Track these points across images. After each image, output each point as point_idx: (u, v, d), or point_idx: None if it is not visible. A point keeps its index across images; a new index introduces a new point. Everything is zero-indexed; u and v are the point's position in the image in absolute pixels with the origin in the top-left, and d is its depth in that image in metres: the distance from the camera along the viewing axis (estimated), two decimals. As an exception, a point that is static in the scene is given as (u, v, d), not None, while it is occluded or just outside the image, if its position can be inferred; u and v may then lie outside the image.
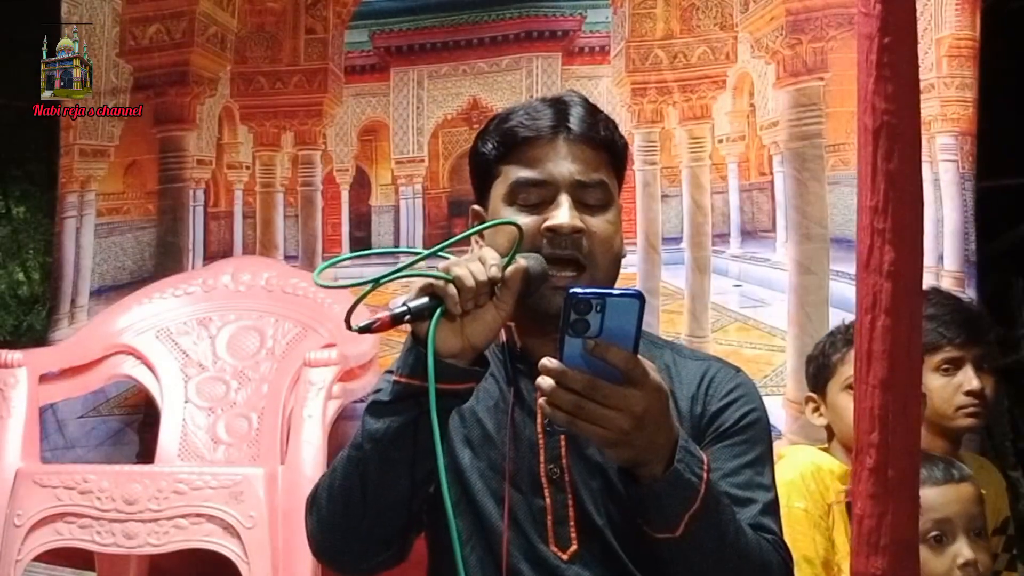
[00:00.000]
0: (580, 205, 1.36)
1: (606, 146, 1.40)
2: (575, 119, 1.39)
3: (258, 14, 3.43)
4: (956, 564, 1.70)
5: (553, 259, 1.33)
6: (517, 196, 1.38)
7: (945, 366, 2.07)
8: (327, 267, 1.22)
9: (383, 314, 1.17)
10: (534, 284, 1.27)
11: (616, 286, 1.43)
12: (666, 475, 1.15)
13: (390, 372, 1.30)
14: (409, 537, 1.32)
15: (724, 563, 1.22)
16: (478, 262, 1.20)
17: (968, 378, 2.06)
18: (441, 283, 1.18)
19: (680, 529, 1.17)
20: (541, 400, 1.11)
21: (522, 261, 1.23)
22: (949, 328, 2.07)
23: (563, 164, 1.37)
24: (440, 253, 1.25)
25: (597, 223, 1.36)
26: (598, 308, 1.08)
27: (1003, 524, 2.19)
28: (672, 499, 1.16)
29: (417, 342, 1.20)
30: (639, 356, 1.11)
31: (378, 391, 1.30)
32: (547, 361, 1.10)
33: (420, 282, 1.21)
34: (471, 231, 1.34)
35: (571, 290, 1.10)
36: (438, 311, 1.18)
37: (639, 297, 1.10)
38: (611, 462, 1.19)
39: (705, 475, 1.18)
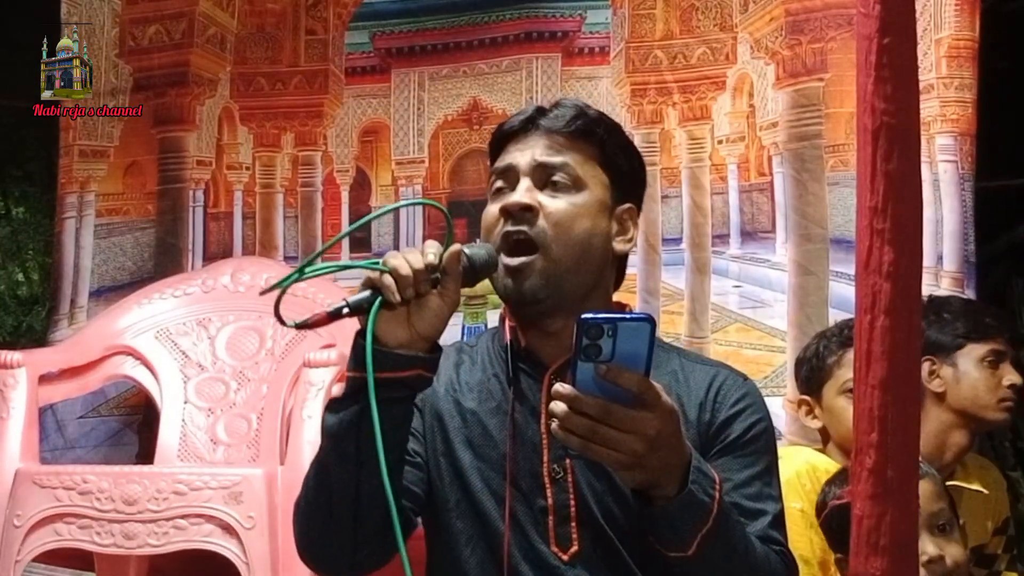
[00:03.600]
0: (543, 187, 1.37)
1: (582, 136, 1.40)
2: (552, 115, 1.41)
3: (258, 15, 3.43)
4: (920, 562, 1.70)
5: (509, 240, 1.34)
6: (492, 187, 1.41)
7: (991, 358, 2.08)
8: (279, 285, 1.21)
9: (320, 310, 1.18)
10: (481, 271, 1.28)
11: (646, 313, 1.43)
12: (680, 496, 1.15)
13: None
14: (388, 536, 1.26)
15: None
16: (416, 252, 1.21)
17: (1010, 372, 2.07)
18: (377, 274, 1.18)
19: (693, 548, 1.17)
20: (554, 426, 1.11)
21: (458, 245, 1.23)
22: (998, 320, 2.09)
23: (528, 151, 1.39)
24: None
25: (556, 203, 1.36)
26: (610, 333, 1.08)
27: (1003, 524, 2.19)
28: (685, 519, 1.17)
29: (361, 336, 1.21)
30: (650, 379, 1.11)
31: None
32: (560, 387, 1.11)
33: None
34: (383, 210, 1.36)
35: (582, 316, 1.10)
36: (377, 302, 1.18)
37: (651, 321, 1.10)
38: (625, 484, 1.20)
39: (717, 494, 1.18)
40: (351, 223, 3.31)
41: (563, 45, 3.20)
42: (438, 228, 3.20)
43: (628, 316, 1.11)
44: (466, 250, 1.25)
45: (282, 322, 1.18)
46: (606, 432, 1.10)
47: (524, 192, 1.36)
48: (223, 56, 3.43)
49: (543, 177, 1.37)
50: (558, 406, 1.10)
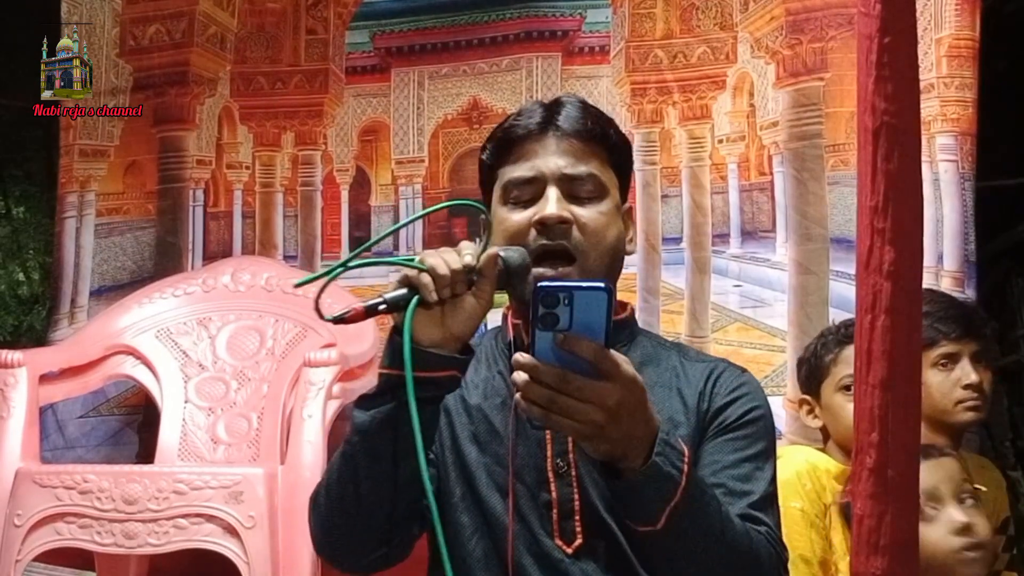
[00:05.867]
0: (570, 197, 1.38)
1: (598, 141, 1.41)
2: (564, 116, 1.41)
3: (258, 14, 3.43)
4: (951, 531, 1.69)
5: (544, 252, 1.34)
6: (510, 195, 1.40)
7: (943, 361, 2.08)
8: (312, 279, 1.22)
9: (357, 304, 1.18)
10: (515, 275, 1.27)
11: (602, 280, 1.43)
12: (644, 468, 1.15)
13: None
14: (410, 532, 1.32)
15: (710, 555, 1.22)
16: (453, 252, 1.21)
17: (966, 372, 2.06)
18: (415, 272, 1.19)
19: (661, 522, 1.17)
20: (517, 396, 1.11)
21: (495, 248, 1.24)
22: (944, 323, 2.08)
23: (551, 159, 1.39)
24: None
25: (587, 214, 1.37)
26: (566, 301, 1.08)
27: (1003, 524, 2.18)
28: (651, 492, 1.16)
29: (396, 333, 1.21)
30: (624, 351, 1.11)
31: None
32: (519, 356, 1.10)
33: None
34: (423, 212, 1.35)
35: (538, 283, 1.10)
36: (414, 300, 1.18)
37: (607, 290, 1.09)
38: (591, 456, 1.20)
39: (685, 468, 1.17)
40: (350, 223, 3.32)
41: (563, 44, 3.20)
42: (437, 228, 3.20)
43: (584, 284, 1.10)
44: (501, 253, 1.25)
45: (321, 316, 1.18)
46: (565, 401, 1.09)
47: (557, 204, 1.36)
48: (223, 55, 3.43)
49: (568, 186, 1.38)
50: (519, 376, 1.10)
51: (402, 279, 1.20)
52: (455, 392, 1.39)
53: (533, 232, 1.36)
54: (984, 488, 2.06)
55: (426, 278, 1.18)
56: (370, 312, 1.18)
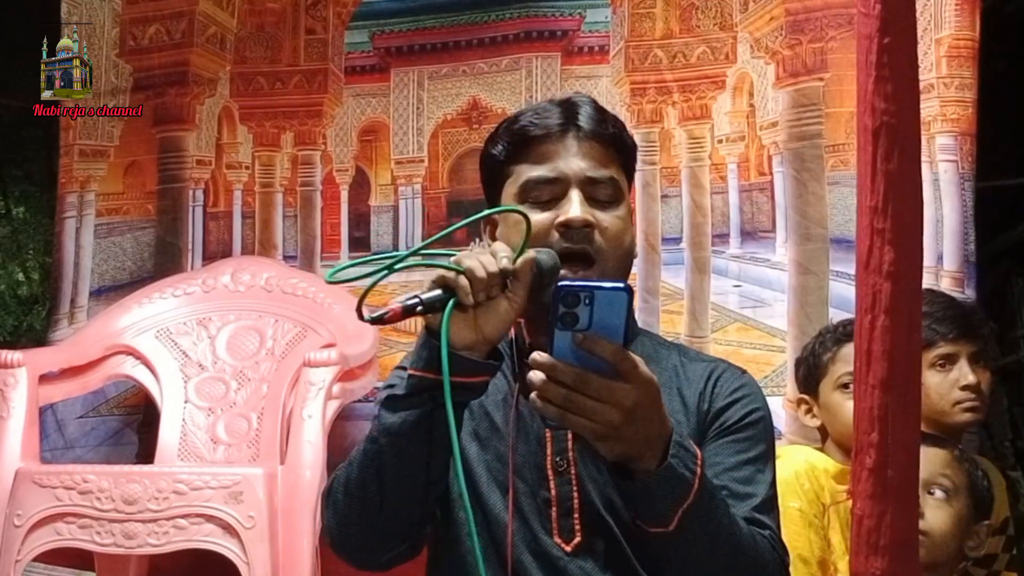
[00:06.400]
0: (590, 201, 1.38)
1: (615, 143, 1.42)
2: (584, 117, 1.41)
3: (258, 14, 3.43)
4: None
5: (565, 254, 1.34)
6: (529, 194, 1.40)
7: (940, 362, 2.08)
8: (343, 268, 1.21)
9: (394, 305, 1.16)
10: (546, 277, 1.27)
11: (622, 280, 1.43)
12: (659, 470, 1.15)
13: (402, 368, 1.30)
14: (424, 531, 1.33)
15: (717, 557, 1.22)
16: (489, 254, 1.21)
17: (964, 373, 2.07)
18: (452, 274, 1.18)
19: (673, 524, 1.17)
20: (532, 395, 1.11)
21: (532, 252, 1.24)
22: (942, 324, 2.08)
23: (573, 161, 1.39)
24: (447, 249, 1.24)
25: (607, 218, 1.38)
26: (586, 301, 1.08)
27: (1003, 524, 2.19)
28: (665, 494, 1.16)
29: (430, 335, 1.21)
30: (629, 351, 1.11)
31: (390, 386, 1.30)
32: (537, 355, 1.11)
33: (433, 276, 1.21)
34: (475, 216, 1.33)
35: (559, 283, 1.10)
36: (451, 302, 1.17)
37: (627, 290, 1.10)
38: (604, 456, 1.19)
39: (699, 470, 1.18)
40: (350, 223, 3.31)
41: (563, 44, 3.20)
42: (436, 227, 3.20)
43: (605, 285, 1.10)
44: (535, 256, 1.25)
45: (361, 317, 1.18)
46: (582, 401, 1.10)
47: (581, 207, 1.36)
48: (223, 55, 3.43)
49: (590, 189, 1.38)
50: (536, 375, 1.10)
51: (438, 280, 1.19)
52: None
53: (555, 234, 1.35)
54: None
55: (463, 280, 1.17)
56: (407, 312, 1.16)
